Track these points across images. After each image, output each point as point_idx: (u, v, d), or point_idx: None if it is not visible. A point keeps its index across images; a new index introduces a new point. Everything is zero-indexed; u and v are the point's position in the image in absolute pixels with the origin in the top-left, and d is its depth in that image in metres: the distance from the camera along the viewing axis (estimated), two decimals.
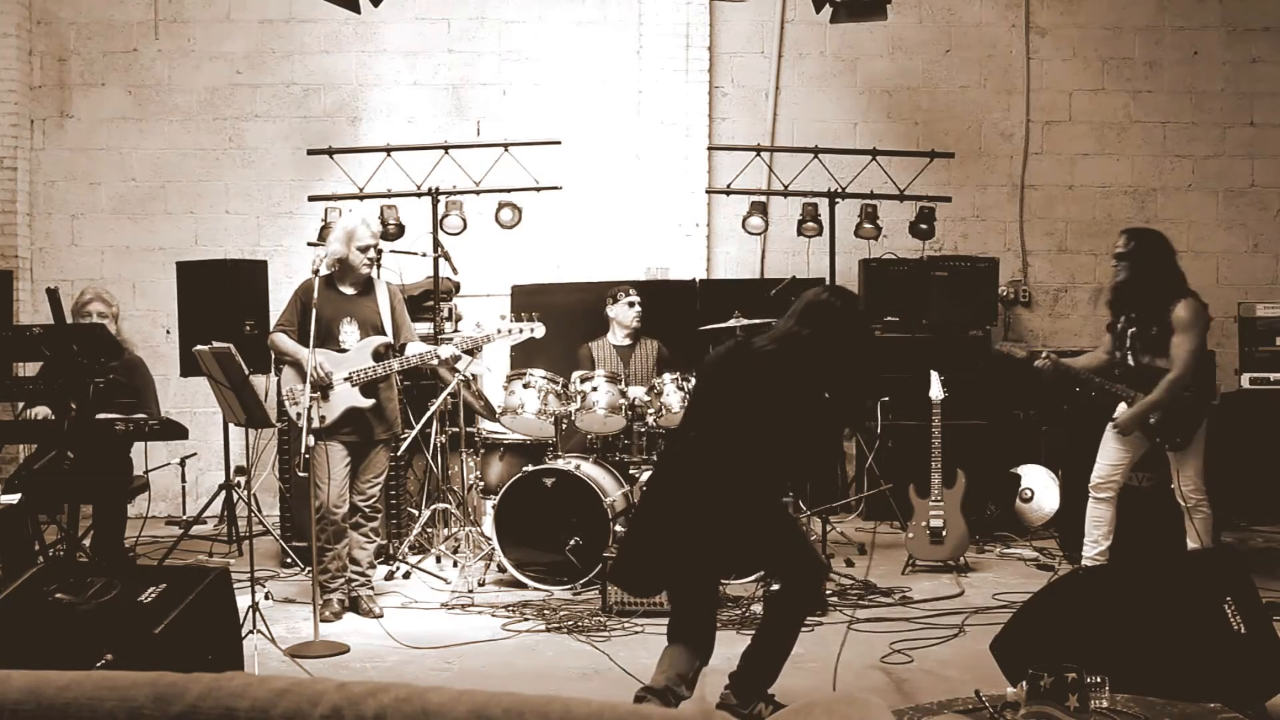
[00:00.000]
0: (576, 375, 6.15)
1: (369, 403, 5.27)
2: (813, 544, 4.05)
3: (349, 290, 5.39)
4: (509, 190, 7.55)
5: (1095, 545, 5.52)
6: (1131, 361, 5.39)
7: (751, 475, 3.79)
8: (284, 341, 5.31)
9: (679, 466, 3.93)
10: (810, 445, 3.98)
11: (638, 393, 6.14)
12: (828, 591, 5.48)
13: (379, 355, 5.31)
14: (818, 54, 8.55)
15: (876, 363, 4.07)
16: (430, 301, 7.25)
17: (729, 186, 8.01)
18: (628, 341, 6.76)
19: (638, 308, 6.70)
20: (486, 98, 8.44)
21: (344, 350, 5.29)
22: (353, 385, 5.23)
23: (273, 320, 6.61)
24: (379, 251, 5.45)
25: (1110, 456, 5.49)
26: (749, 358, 3.87)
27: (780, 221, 8.21)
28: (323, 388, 5.16)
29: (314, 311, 4.93)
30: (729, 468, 3.77)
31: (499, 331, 5.58)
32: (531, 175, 7.52)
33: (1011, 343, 5.60)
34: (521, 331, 5.57)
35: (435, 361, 5.56)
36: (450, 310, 7.56)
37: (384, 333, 5.38)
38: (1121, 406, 5.42)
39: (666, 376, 6.07)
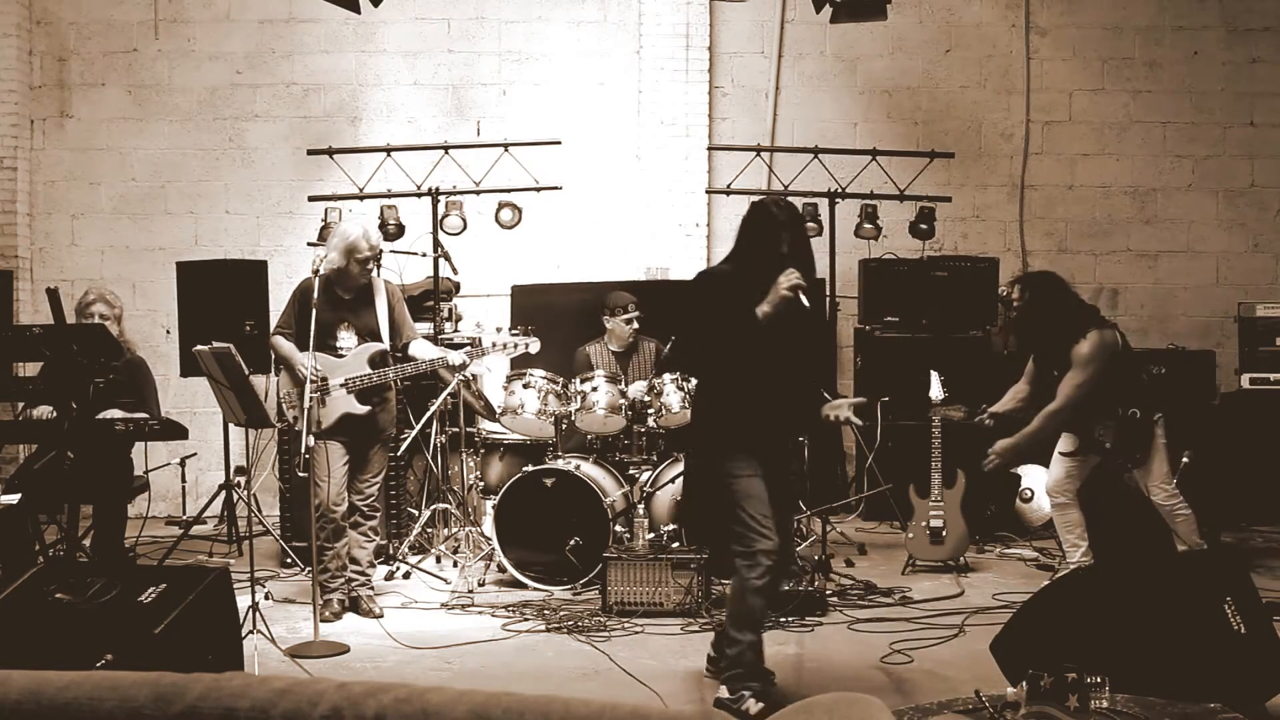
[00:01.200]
0: (577, 376, 6.15)
1: (364, 410, 5.26)
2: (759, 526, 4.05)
3: (347, 294, 5.37)
4: (509, 190, 7.55)
5: (1076, 548, 5.64)
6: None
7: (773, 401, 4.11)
8: (282, 344, 5.30)
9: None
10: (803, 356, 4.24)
11: (638, 390, 6.14)
12: (827, 591, 5.49)
13: (375, 363, 5.29)
14: (818, 54, 8.55)
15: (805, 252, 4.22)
16: (430, 301, 7.25)
17: (729, 186, 8.01)
18: (623, 350, 6.74)
19: (635, 324, 6.64)
20: (486, 98, 8.44)
21: (340, 356, 5.28)
22: (348, 392, 5.22)
23: (273, 320, 6.62)
24: (378, 255, 5.40)
25: (1060, 471, 5.65)
26: (717, 282, 4.27)
27: None
28: (320, 391, 5.15)
29: (314, 312, 4.92)
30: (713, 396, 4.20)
31: (494, 345, 5.56)
32: (531, 175, 7.52)
33: (947, 406, 5.90)
34: (516, 346, 5.56)
35: (445, 369, 5.53)
36: (450, 310, 7.56)
37: (381, 339, 5.36)
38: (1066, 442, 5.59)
39: (666, 376, 6.06)
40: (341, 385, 5.21)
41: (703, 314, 4.16)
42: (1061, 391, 5.32)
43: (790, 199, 4.48)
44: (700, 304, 4.20)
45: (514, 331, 5.62)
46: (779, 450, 4.26)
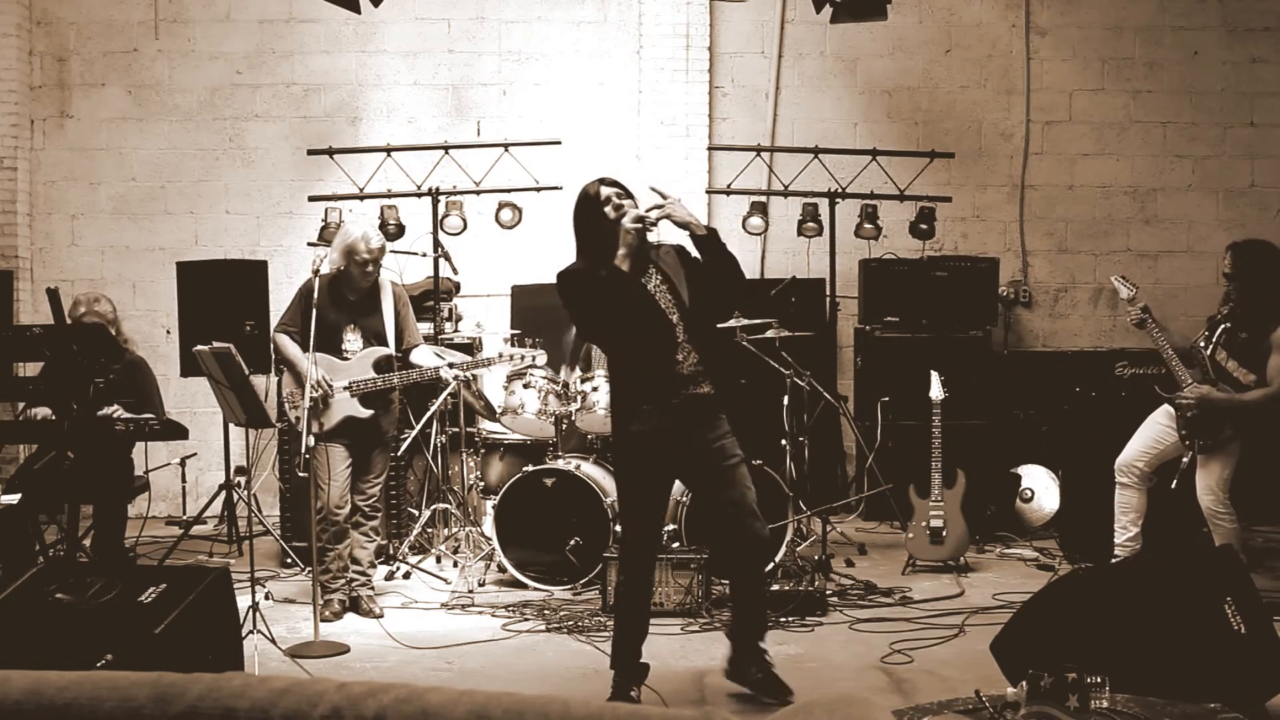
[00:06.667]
0: (575, 376, 6.14)
1: (367, 413, 5.25)
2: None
3: (353, 296, 5.36)
4: (509, 190, 7.56)
5: (1124, 531, 5.51)
6: (1208, 351, 5.29)
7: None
8: (286, 345, 5.29)
9: None
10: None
11: None
12: (827, 591, 5.49)
13: (380, 367, 5.29)
14: (818, 54, 8.55)
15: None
16: (430, 301, 7.25)
17: (729, 186, 8.02)
18: None
19: None
20: (486, 98, 8.44)
21: (345, 359, 5.28)
22: (352, 395, 5.21)
23: (273, 320, 6.61)
24: (378, 258, 5.36)
25: (1141, 442, 5.48)
26: None
27: (780, 221, 8.21)
28: (323, 396, 5.15)
29: (314, 312, 4.91)
30: None
31: (500, 356, 5.58)
32: (531, 175, 7.52)
33: (1124, 280, 5.62)
34: (523, 358, 5.58)
35: (448, 380, 5.52)
36: (450, 310, 7.56)
37: (387, 343, 5.35)
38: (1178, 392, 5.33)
39: None
40: (345, 388, 5.20)
41: (582, 304, 4.04)
42: (1274, 379, 5.12)
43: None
44: (576, 298, 4.05)
45: (508, 338, 5.64)
46: (691, 416, 4.06)
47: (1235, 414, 5.18)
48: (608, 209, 4.05)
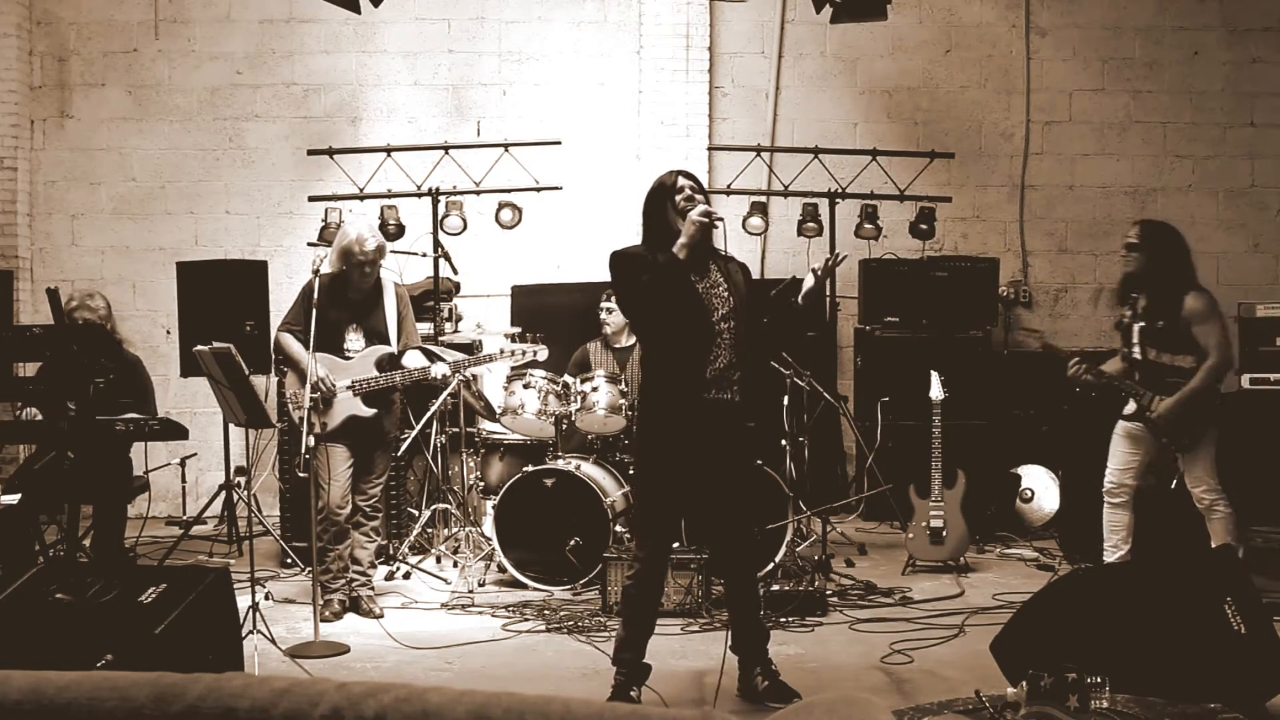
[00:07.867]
0: (578, 375, 6.13)
1: (370, 413, 5.25)
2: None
3: (355, 295, 5.35)
4: (509, 190, 7.56)
5: (1115, 550, 5.40)
6: (1139, 356, 5.26)
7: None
8: (290, 343, 5.28)
9: None
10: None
11: None
12: (827, 591, 5.49)
13: (382, 366, 5.28)
14: (818, 54, 8.55)
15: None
16: (430, 301, 7.25)
17: (729, 187, 8.02)
18: (628, 342, 6.66)
19: (608, 315, 6.55)
20: (486, 98, 8.44)
21: (348, 358, 5.27)
22: (355, 395, 5.21)
23: (273, 320, 6.62)
24: (375, 259, 5.35)
25: (1118, 460, 5.39)
26: None
27: (780, 222, 8.21)
28: (326, 396, 5.14)
29: (314, 312, 4.90)
30: None
31: (501, 352, 5.57)
32: (531, 175, 7.52)
33: (1053, 348, 5.65)
34: (525, 354, 5.57)
35: (437, 379, 5.51)
36: (450, 310, 7.56)
37: (389, 342, 5.35)
38: (1130, 404, 5.29)
39: None
40: (348, 387, 5.20)
41: (629, 283, 4.10)
42: (1210, 346, 5.07)
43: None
44: (625, 276, 4.12)
45: (509, 334, 5.62)
46: (713, 420, 4.03)
47: (1195, 404, 5.13)
48: (679, 198, 4.12)
